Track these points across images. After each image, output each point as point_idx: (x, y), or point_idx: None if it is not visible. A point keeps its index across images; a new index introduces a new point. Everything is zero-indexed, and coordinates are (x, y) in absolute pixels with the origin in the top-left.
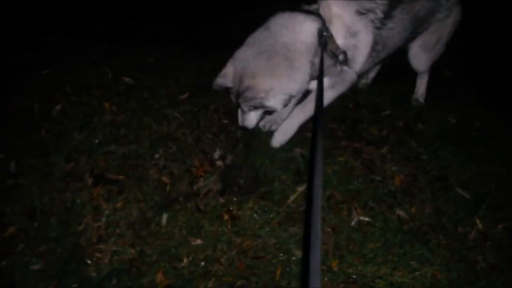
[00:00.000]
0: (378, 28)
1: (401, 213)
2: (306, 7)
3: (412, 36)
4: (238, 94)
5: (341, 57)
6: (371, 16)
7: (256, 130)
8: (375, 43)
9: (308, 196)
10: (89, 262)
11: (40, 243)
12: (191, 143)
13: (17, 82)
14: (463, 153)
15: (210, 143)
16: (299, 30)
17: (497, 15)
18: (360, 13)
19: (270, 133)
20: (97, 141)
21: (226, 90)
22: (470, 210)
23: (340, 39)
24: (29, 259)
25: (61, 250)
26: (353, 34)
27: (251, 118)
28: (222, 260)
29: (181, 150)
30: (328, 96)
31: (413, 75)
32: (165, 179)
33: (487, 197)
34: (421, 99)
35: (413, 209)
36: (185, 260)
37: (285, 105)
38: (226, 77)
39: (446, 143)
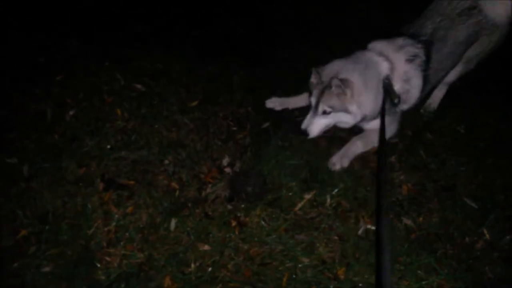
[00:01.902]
0: (424, 71)
1: (408, 222)
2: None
3: (457, 61)
4: (326, 87)
5: (396, 100)
6: (418, 61)
7: (266, 137)
8: (424, 84)
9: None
10: (98, 265)
11: (51, 246)
12: (200, 150)
13: (30, 87)
14: (471, 163)
15: (219, 150)
16: (382, 66)
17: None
18: (409, 60)
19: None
20: (108, 146)
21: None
22: (478, 220)
23: (397, 85)
24: (40, 262)
25: (72, 253)
26: (407, 80)
27: (318, 124)
28: (229, 266)
29: (190, 156)
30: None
31: None
32: (174, 184)
33: (495, 208)
34: (431, 109)
35: (421, 218)
36: (192, 266)
37: (360, 121)
38: (322, 70)
39: (454, 153)
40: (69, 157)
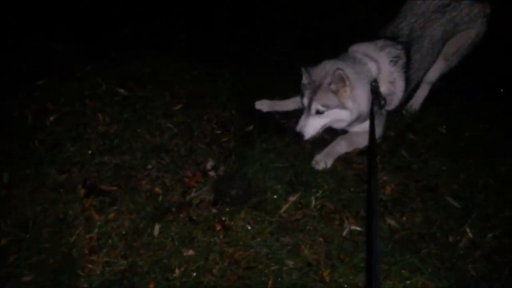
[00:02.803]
0: (406, 72)
1: (392, 222)
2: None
3: (437, 55)
4: (319, 86)
5: (383, 102)
6: (400, 62)
7: (250, 141)
8: (406, 85)
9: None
10: (80, 273)
11: (32, 254)
12: (184, 154)
13: (11, 93)
14: (453, 163)
15: (203, 154)
16: (370, 70)
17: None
18: (393, 62)
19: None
20: (90, 152)
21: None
22: (460, 220)
23: (383, 87)
24: (20, 270)
25: (53, 261)
26: (392, 83)
27: (313, 125)
28: (214, 270)
29: (174, 160)
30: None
31: None
32: (157, 189)
33: (477, 207)
34: (413, 110)
35: (404, 218)
36: (177, 271)
37: (357, 117)
38: (313, 70)
39: (436, 153)
40: (50, 163)
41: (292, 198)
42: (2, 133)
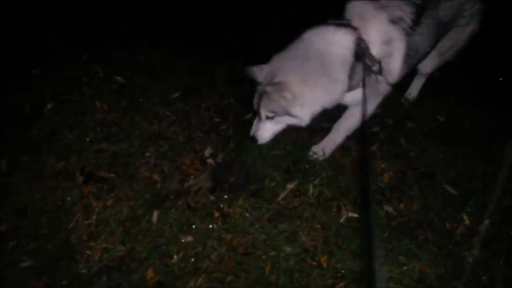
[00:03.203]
0: (409, 35)
1: (390, 209)
2: (336, 21)
3: (437, 40)
4: (264, 92)
5: (376, 67)
6: (402, 24)
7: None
8: (407, 49)
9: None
10: (79, 259)
11: (30, 240)
12: (182, 142)
13: (7, 82)
14: (450, 151)
15: (201, 142)
16: (332, 40)
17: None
18: (392, 21)
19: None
20: (88, 139)
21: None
22: (458, 207)
23: (375, 49)
24: (19, 257)
25: (52, 248)
26: (387, 42)
27: (266, 129)
28: (212, 256)
29: (172, 148)
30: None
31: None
32: (155, 177)
33: (474, 194)
34: (411, 98)
35: (402, 205)
36: (175, 257)
37: (312, 118)
38: (260, 71)
39: (434, 141)
40: (48, 151)
41: (290, 186)
42: None
